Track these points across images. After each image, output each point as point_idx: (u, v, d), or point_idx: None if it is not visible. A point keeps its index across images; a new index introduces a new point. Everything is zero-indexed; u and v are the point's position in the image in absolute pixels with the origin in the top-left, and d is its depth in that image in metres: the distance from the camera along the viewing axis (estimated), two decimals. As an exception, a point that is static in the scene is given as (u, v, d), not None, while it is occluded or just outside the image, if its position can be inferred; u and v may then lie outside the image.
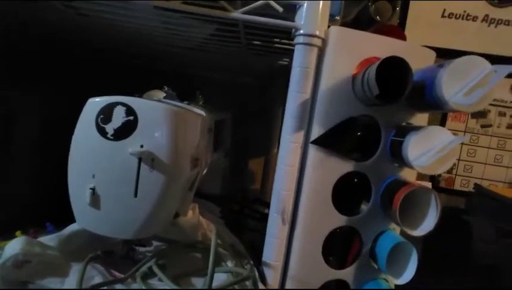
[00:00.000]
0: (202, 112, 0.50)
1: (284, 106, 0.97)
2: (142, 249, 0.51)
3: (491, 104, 1.12)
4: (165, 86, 0.52)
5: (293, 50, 0.67)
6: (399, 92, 0.39)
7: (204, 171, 0.55)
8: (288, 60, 0.78)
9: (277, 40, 0.61)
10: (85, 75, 0.78)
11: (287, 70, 0.89)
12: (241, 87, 1.04)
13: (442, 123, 1.11)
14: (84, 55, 0.84)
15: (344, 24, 0.55)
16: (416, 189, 0.42)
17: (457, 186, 1.13)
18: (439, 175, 1.13)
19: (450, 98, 0.36)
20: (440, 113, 1.11)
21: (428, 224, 0.42)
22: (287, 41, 0.60)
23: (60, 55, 0.75)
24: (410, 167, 0.42)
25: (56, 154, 0.45)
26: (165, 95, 0.52)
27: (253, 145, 1.01)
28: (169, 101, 0.50)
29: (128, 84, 0.55)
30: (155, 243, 0.53)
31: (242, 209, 0.67)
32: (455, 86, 0.36)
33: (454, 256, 1.04)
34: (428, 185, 1.13)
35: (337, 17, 0.51)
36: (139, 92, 0.59)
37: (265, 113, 1.02)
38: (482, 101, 0.35)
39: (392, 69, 0.39)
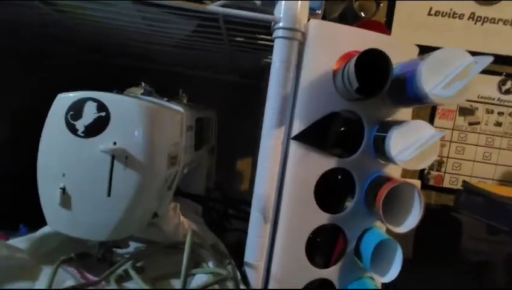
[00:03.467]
0: (180, 109, 0.49)
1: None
2: (120, 251, 0.50)
3: (478, 102, 1.12)
4: (142, 82, 0.51)
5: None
6: (379, 85, 0.38)
7: (186, 170, 0.54)
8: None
9: (259, 36, 0.60)
10: (64, 73, 0.76)
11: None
12: (228, 85, 1.02)
13: (431, 121, 1.11)
14: (64, 53, 0.82)
15: (331, 21, 0.54)
16: (399, 185, 0.41)
17: (446, 184, 1.12)
18: (428, 173, 1.12)
19: (429, 91, 0.35)
20: (425, 108, 1.11)
21: (412, 220, 0.41)
22: (269, 37, 0.59)
23: (38, 53, 0.73)
24: (393, 162, 0.41)
25: (30, 152, 0.43)
26: (142, 92, 0.51)
27: (240, 144, 1.00)
28: (145, 97, 0.49)
29: (111, 83, 0.53)
30: (135, 244, 0.52)
31: (226, 209, 0.65)
32: (435, 78, 0.36)
33: (444, 253, 1.04)
34: (417, 182, 1.12)
35: (319, 11, 0.50)
36: (123, 91, 0.58)
37: (252, 111, 1.00)
38: (462, 93, 0.34)
39: (373, 63, 0.38)
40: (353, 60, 0.38)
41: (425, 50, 0.48)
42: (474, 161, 1.13)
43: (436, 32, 1.09)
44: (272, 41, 0.60)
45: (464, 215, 1.04)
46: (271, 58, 0.78)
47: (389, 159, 0.42)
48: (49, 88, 0.46)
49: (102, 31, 0.66)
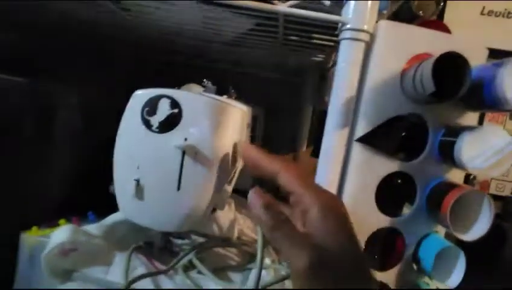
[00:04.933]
0: (243, 107, 0.50)
1: (314, 103, 0.95)
2: (178, 241, 0.52)
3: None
4: (204, 80, 0.52)
5: (329, 46, 0.65)
6: (454, 90, 0.37)
7: (241, 167, 0.55)
8: (323, 56, 0.77)
9: (316, 35, 0.60)
10: (120, 70, 0.79)
11: (319, 67, 0.88)
12: (270, 83, 1.03)
13: (479, 124, 1.07)
14: (124, 52, 0.85)
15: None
16: (468, 192, 0.40)
17: (492, 190, 1.08)
18: (474, 178, 1.09)
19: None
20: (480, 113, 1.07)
21: (480, 229, 0.41)
22: (326, 37, 0.59)
23: (102, 52, 0.76)
24: (464, 168, 0.40)
25: (95, 146, 0.46)
26: (204, 89, 0.52)
27: (281, 143, 1.00)
28: (209, 95, 0.50)
29: (162, 80, 0.55)
30: (192, 236, 0.53)
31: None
32: (519, 84, 0.34)
33: (487, 263, 1.00)
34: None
35: (385, 12, 0.49)
36: (175, 87, 0.60)
37: (294, 110, 1.00)
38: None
39: (446, 66, 0.37)
40: (429, 63, 0.37)
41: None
42: (523, 167, 1.08)
43: (490, 33, 1.05)
44: (328, 40, 0.60)
45: (510, 224, 1.01)
46: (320, 57, 0.78)
47: (457, 165, 0.41)
48: (103, 85, 0.48)
49: (157, 28, 0.68)
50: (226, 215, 0.53)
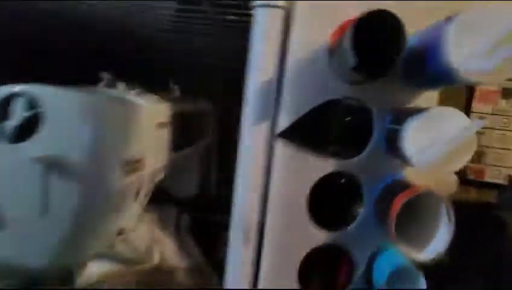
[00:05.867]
0: (142, 102, 0.40)
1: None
2: (85, 272, 0.42)
3: (525, 82, 0.95)
4: (102, 71, 0.43)
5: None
6: (387, 61, 0.27)
7: (161, 175, 0.45)
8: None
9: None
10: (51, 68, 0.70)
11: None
12: (226, 72, 0.93)
13: (468, 105, 0.96)
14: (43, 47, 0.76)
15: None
16: (420, 195, 0.31)
17: (488, 177, 0.98)
18: (467, 165, 0.98)
19: (462, 63, 0.24)
20: (459, 89, 0.95)
21: (437, 243, 0.31)
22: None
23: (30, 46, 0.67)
24: (410, 164, 0.30)
25: None
26: (101, 82, 0.42)
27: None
28: (105, 90, 0.41)
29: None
30: (104, 263, 0.44)
31: (210, 214, 0.56)
32: (468, 46, 0.24)
33: (485, 257, 0.90)
34: (453, 178, 0.97)
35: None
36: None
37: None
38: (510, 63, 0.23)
39: (379, 31, 0.28)
40: (349, 29, 0.27)
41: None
42: (520, 151, 0.97)
43: None
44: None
45: (508, 214, 0.90)
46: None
47: (404, 160, 0.31)
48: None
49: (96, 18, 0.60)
50: (142, 235, 0.44)
